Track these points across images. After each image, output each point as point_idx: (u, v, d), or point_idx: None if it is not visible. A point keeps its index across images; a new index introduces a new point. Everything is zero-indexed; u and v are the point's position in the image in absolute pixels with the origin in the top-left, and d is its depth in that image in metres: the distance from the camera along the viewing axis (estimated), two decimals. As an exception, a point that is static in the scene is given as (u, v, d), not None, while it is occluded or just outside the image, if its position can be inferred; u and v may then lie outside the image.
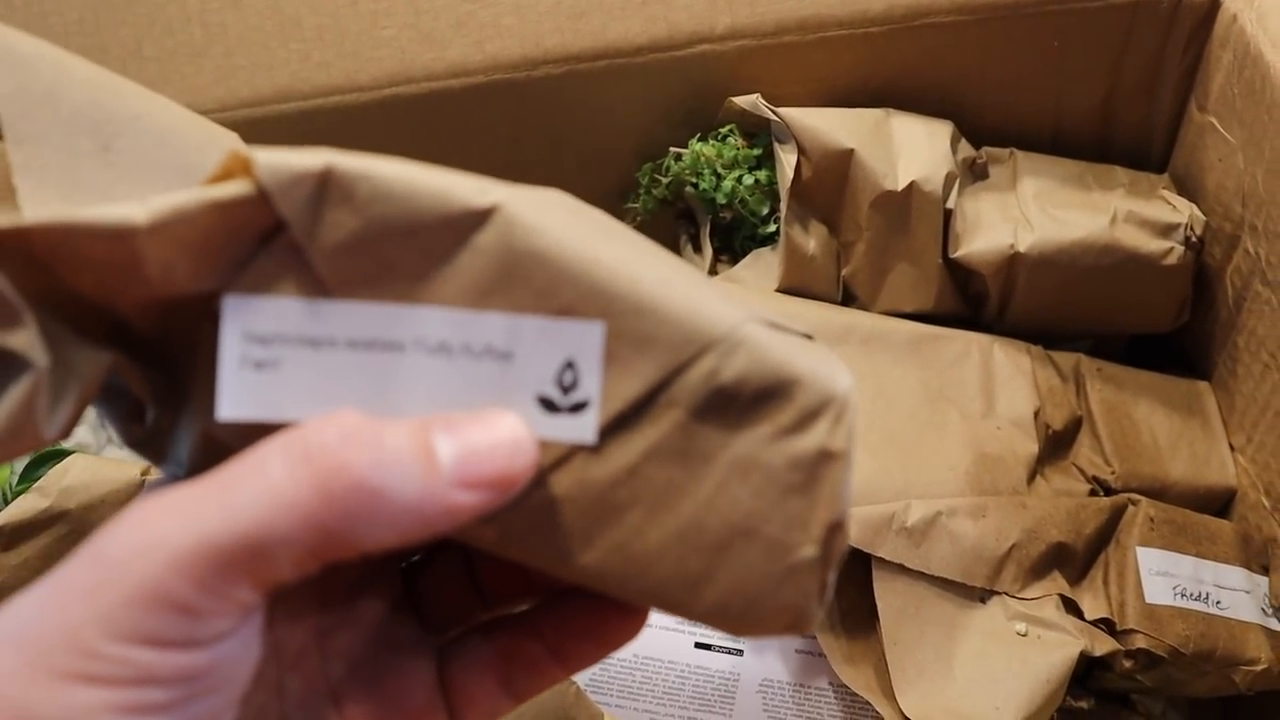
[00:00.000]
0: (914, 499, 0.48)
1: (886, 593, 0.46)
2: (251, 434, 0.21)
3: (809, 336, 0.24)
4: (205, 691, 0.20)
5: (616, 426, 0.22)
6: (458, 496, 0.20)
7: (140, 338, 0.23)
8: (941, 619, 0.47)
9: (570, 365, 0.21)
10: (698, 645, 0.49)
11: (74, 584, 0.19)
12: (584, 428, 0.22)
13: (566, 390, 0.22)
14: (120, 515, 0.20)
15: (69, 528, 0.46)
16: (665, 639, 0.49)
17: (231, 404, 0.21)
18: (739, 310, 0.22)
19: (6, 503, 0.47)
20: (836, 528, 0.22)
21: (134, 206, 0.20)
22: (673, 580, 0.22)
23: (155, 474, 0.49)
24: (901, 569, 0.47)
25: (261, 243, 0.21)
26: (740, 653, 0.48)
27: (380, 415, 0.21)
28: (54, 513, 0.46)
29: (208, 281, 0.21)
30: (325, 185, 0.21)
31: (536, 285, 0.21)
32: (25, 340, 0.20)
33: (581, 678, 0.49)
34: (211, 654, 0.20)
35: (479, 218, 0.21)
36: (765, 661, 0.48)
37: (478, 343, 0.21)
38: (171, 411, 0.23)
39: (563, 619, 0.25)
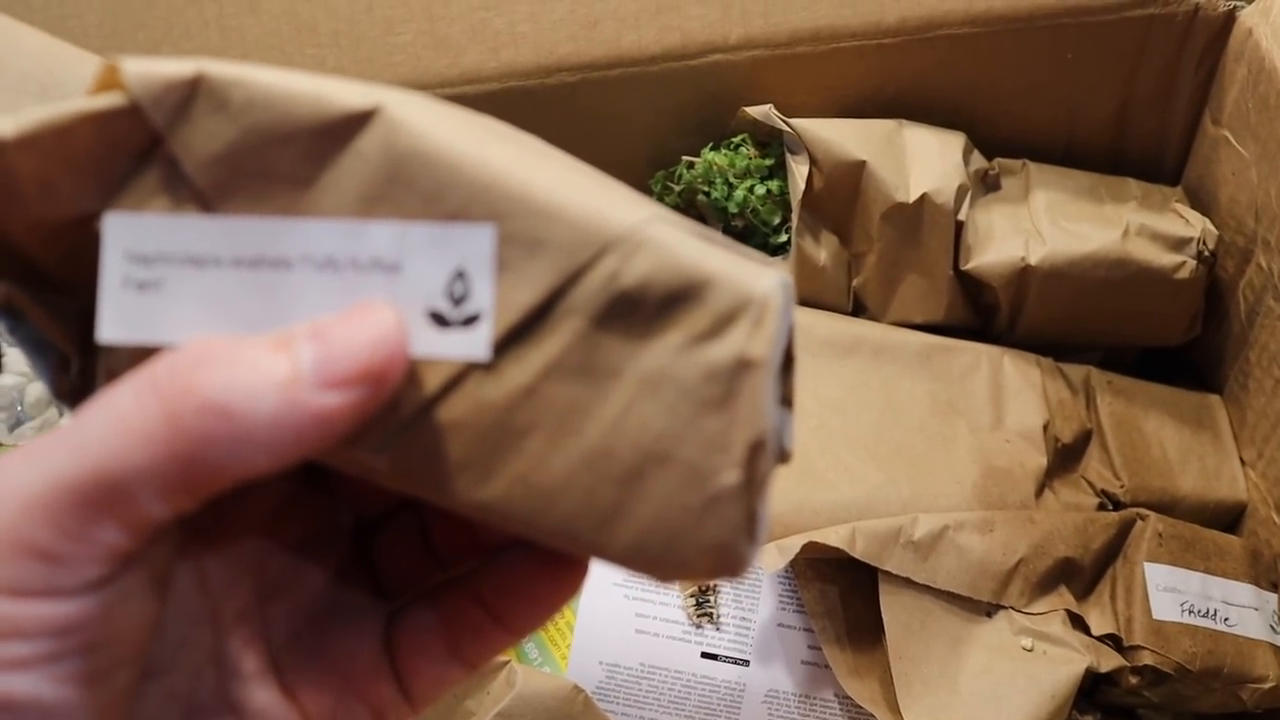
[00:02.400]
0: (921, 512, 0.48)
1: (893, 606, 0.46)
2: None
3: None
4: (84, 647, 0.19)
5: (512, 340, 0.20)
6: (322, 399, 0.18)
7: (50, 278, 0.22)
8: (947, 633, 0.47)
9: (461, 275, 0.20)
10: (704, 655, 0.49)
11: None
12: (477, 343, 0.20)
13: (457, 302, 0.20)
14: None
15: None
16: (672, 649, 0.49)
17: (112, 326, 0.20)
18: (644, 209, 0.20)
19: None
20: (759, 447, 0.19)
21: (1, 119, 0.19)
22: (582, 515, 0.20)
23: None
24: (908, 582, 0.47)
25: (140, 158, 0.20)
26: (746, 663, 0.49)
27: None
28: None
29: (91, 201, 0.20)
30: (196, 92, 0.20)
31: (423, 190, 0.20)
32: None
33: (589, 685, 0.50)
34: (82, 604, 0.19)
35: (360, 120, 0.20)
36: (771, 673, 0.48)
37: (364, 255, 0.20)
38: (91, 357, 0.22)
39: (500, 579, 0.23)
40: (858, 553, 0.46)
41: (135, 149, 0.20)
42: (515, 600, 0.23)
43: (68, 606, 0.18)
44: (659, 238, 0.20)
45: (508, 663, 0.47)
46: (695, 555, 0.20)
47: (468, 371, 0.20)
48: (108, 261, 0.20)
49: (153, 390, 0.18)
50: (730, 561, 0.20)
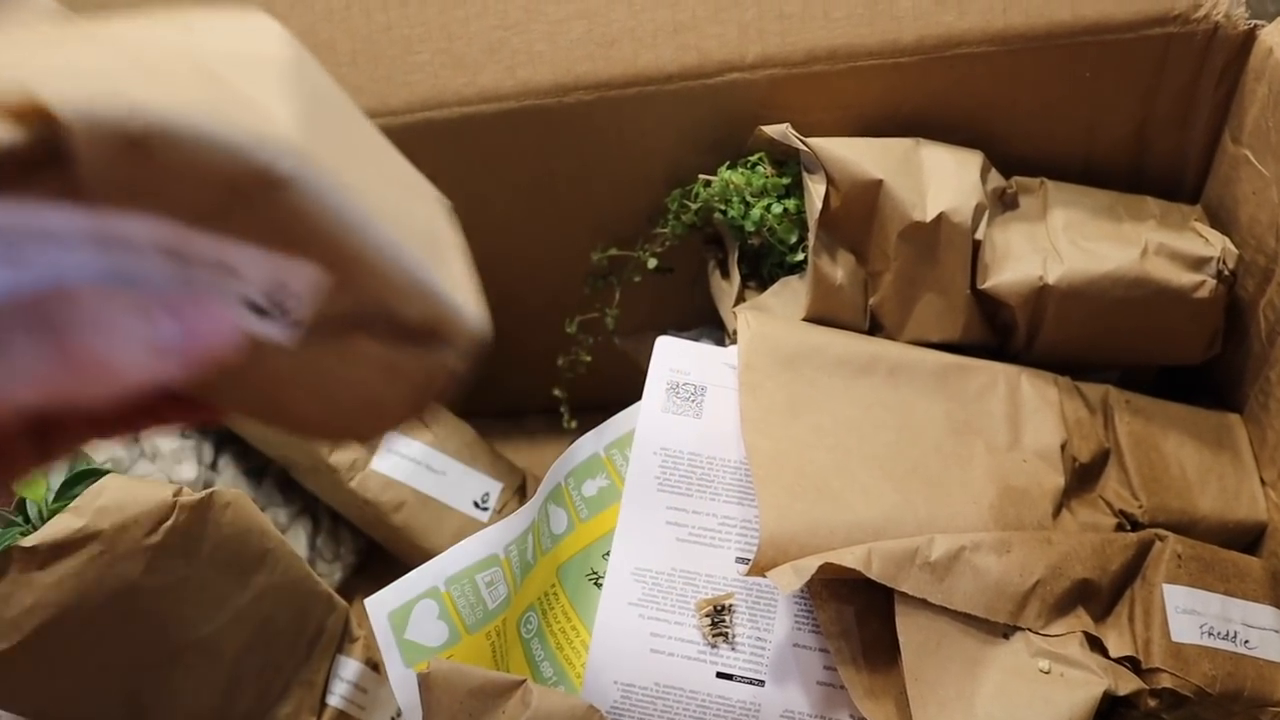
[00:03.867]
0: (937, 533, 0.48)
1: (909, 628, 0.46)
2: None
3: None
4: None
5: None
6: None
7: None
8: (964, 655, 0.47)
9: (284, 286, 0.25)
10: (719, 675, 0.49)
11: None
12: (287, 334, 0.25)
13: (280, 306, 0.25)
14: None
15: (102, 547, 0.47)
16: (687, 668, 0.49)
17: None
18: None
19: (43, 520, 0.48)
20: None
21: None
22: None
23: (188, 494, 0.50)
24: (924, 603, 0.47)
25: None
26: (762, 683, 0.48)
27: None
28: (88, 532, 0.47)
29: None
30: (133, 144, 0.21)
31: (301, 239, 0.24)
32: None
33: (604, 705, 0.50)
34: None
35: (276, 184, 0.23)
36: (786, 693, 0.48)
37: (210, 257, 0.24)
38: None
39: None
40: (874, 574, 0.46)
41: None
42: None
43: None
44: None
45: (523, 682, 0.48)
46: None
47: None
48: None
49: None
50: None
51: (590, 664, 0.50)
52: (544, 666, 0.53)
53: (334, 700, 0.60)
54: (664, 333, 0.56)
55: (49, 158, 0.21)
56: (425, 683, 0.47)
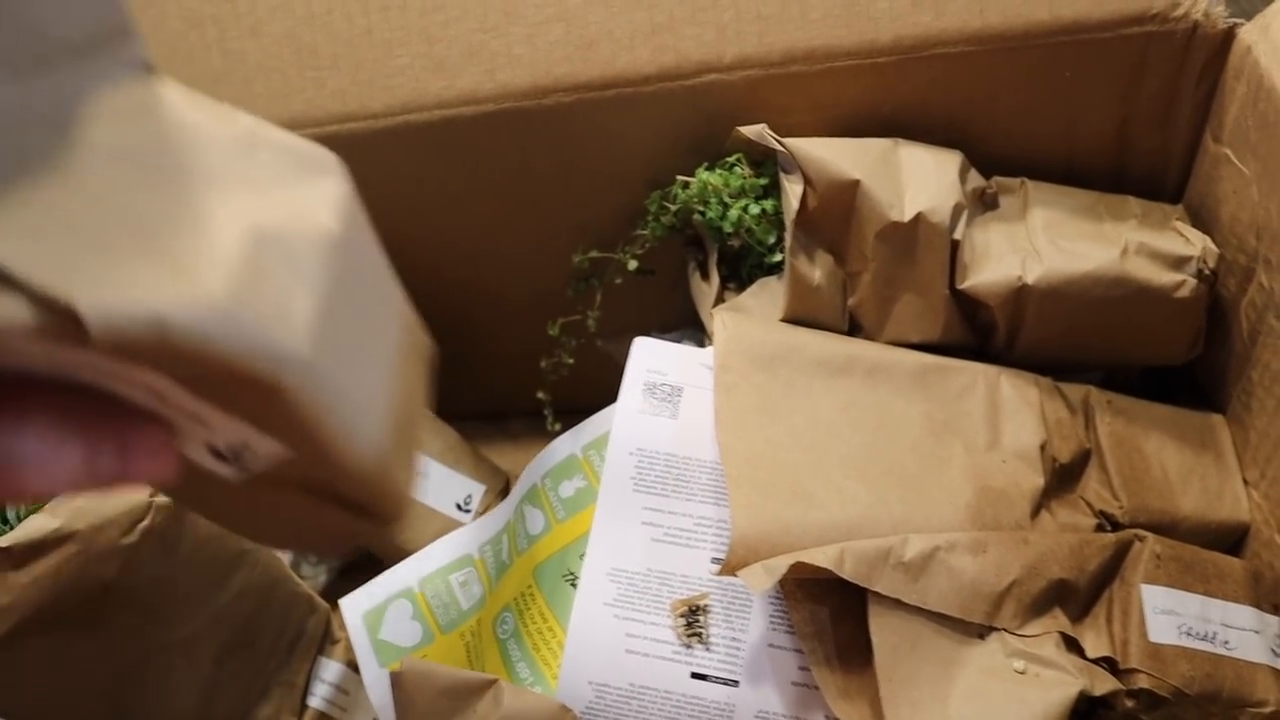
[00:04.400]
0: (912, 533, 0.48)
1: (882, 628, 0.46)
2: None
3: None
4: None
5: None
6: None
7: None
8: (938, 656, 0.47)
9: (247, 446, 0.26)
10: (694, 675, 0.49)
11: None
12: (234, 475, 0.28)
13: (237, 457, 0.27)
14: None
15: (78, 547, 0.47)
16: (661, 669, 0.49)
17: None
18: None
19: (19, 521, 0.48)
20: None
21: None
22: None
23: (163, 498, 0.50)
24: (898, 604, 0.46)
25: None
26: (736, 684, 0.48)
27: None
28: (64, 533, 0.47)
29: None
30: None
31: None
32: None
33: (578, 706, 0.50)
34: None
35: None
36: (761, 693, 0.48)
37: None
38: None
39: None
40: (846, 573, 0.46)
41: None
42: None
43: None
44: None
45: (495, 681, 0.48)
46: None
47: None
48: None
49: None
50: None
51: (565, 664, 0.50)
52: (520, 667, 0.53)
53: (315, 702, 0.60)
54: (646, 334, 0.56)
55: (62, 333, 0.21)
56: (397, 681, 0.47)
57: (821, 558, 0.45)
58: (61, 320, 0.20)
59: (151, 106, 0.24)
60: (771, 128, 0.54)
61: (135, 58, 0.24)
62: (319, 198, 0.27)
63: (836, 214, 0.53)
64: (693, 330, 0.63)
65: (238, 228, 0.24)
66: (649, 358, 0.53)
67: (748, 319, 0.54)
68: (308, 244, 0.26)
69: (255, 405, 0.24)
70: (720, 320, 0.53)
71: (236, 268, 0.23)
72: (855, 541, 0.47)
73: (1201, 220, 0.57)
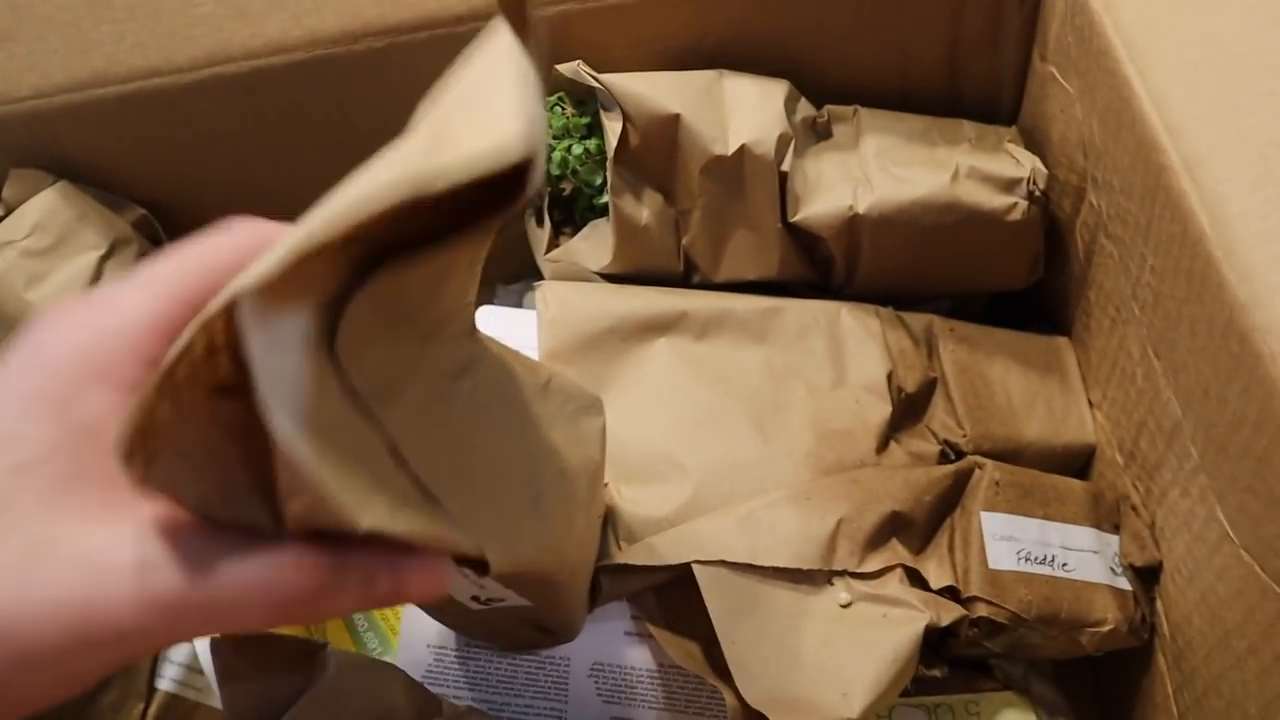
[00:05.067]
0: (741, 500, 0.47)
1: (715, 594, 0.44)
2: None
3: None
4: None
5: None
6: None
7: None
8: (782, 610, 0.45)
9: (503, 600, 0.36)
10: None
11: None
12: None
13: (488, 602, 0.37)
14: None
15: None
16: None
17: None
18: None
19: None
20: None
21: None
22: None
23: None
24: (727, 565, 0.45)
25: None
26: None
27: None
28: None
29: None
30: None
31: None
32: None
33: (417, 671, 0.48)
34: None
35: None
36: (596, 644, 0.47)
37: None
38: None
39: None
40: (670, 559, 0.45)
41: None
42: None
43: None
44: None
45: (324, 646, 0.46)
46: None
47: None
48: None
49: None
50: None
51: (403, 629, 0.49)
52: (368, 636, 0.51)
53: (164, 684, 0.58)
54: (489, 285, 0.54)
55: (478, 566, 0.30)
56: (216, 649, 0.45)
57: (639, 556, 0.45)
58: (477, 560, 0.29)
59: (484, 360, 0.31)
60: (592, 64, 0.52)
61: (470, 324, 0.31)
62: (591, 435, 0.37)
63: (659, 150, 0.52)
64: (535, 278, 0.61)
65: (554, 468, 0.33)
66: (487, 326, 0.51)
67: (571, 291, 0.52)
68: (586, 477, 0.35)
69: (532, 589, 0.34)
70: (543, 298, 0.51)
71: (555, 507, 0.32)
72: (677, 528, 0.46)
73: (1035, 141, 0.56)
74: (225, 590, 0.23)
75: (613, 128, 0.51)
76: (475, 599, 0.35)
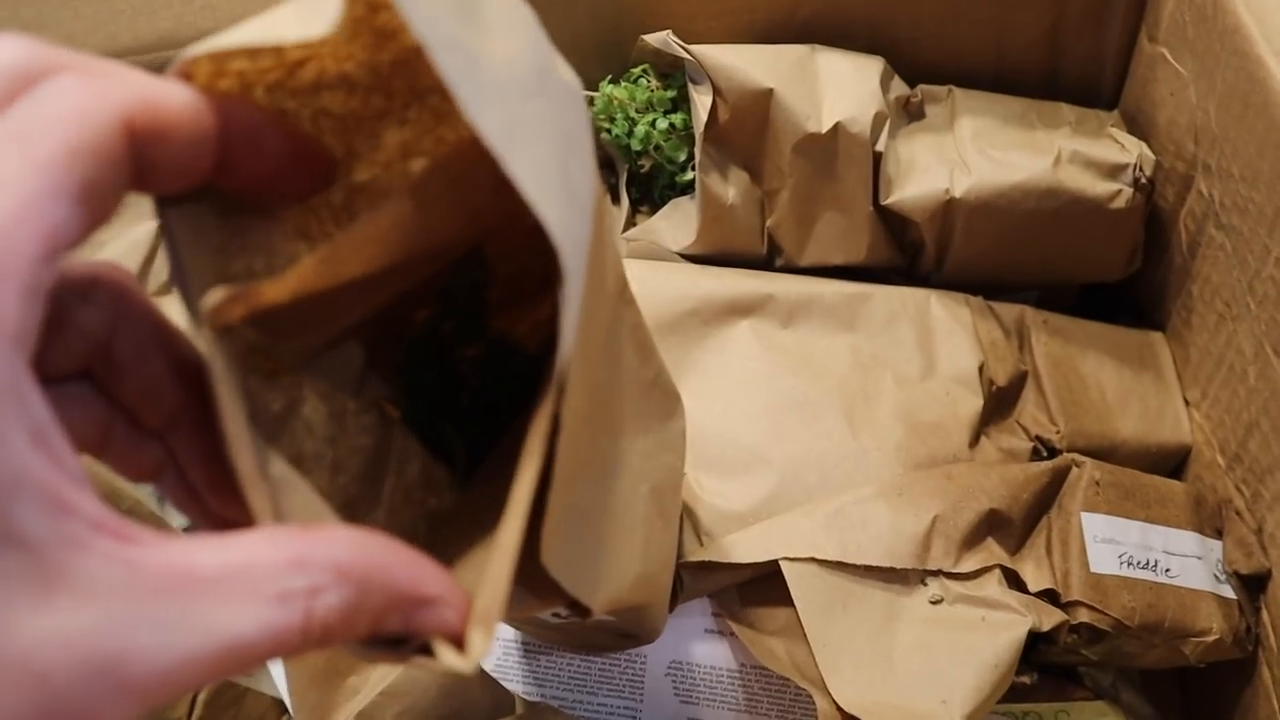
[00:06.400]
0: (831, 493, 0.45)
1: (805, 591, 0.42)
2: None
3: None
4: None
5: None
6: None
7: None
8: (875, 612, 0.43)
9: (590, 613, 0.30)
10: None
11: None
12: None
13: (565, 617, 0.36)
14: None
15: None
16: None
17: None
18: None
19: None
20: None
21: None
22: None
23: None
24: (817, 563, 0.43)
25: None
26: (650, 634, 0.45)
27: None
28: None
29: None
30: None
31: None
32: None
33: (486, 661, 0.46)
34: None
35: None
36: (675, 642, 0.45)
37: None
38: None
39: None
40: (750, 557, 0.42)
41: None
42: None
43: None
44: None
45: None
46: None
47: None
48: None
49: None
50: None
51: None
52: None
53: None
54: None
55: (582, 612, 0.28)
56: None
57: (716, 553, 0.42)
58: (583, 608, 0.26)
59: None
60: (679, 35, 0.50)
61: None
62: (675, 438, 0.35)
63: (750, 127, 0.49)
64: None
65: (649, 486, 0.32)
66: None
67: (653, 270, 0.50)
68: (671, 490, 0.34)
69: (622, 613, 0.31)
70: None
71: (651, 535, 0.32)
72: (762, 524, 0.43)
73: (1138, 126, 0.54)
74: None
75: (702, 101, 0.48)
76: (556, 614, 0.34)
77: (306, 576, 0.19)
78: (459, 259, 0.27)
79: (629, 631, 0.38)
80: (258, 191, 0.23)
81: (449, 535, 0.26)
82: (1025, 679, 0.47)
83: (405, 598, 0.20)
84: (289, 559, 0.19)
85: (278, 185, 0.23)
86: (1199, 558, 0.48)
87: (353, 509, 0.26)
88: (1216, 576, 0.48)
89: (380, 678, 0.41)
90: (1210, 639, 0.46)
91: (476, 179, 0.24)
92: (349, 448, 0.26)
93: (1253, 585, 0.48)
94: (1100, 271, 0.54)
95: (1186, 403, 0.53)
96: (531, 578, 0.24)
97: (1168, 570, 0.47)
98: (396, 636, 0.20)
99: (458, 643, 0.20)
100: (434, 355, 0.29)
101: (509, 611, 0.25)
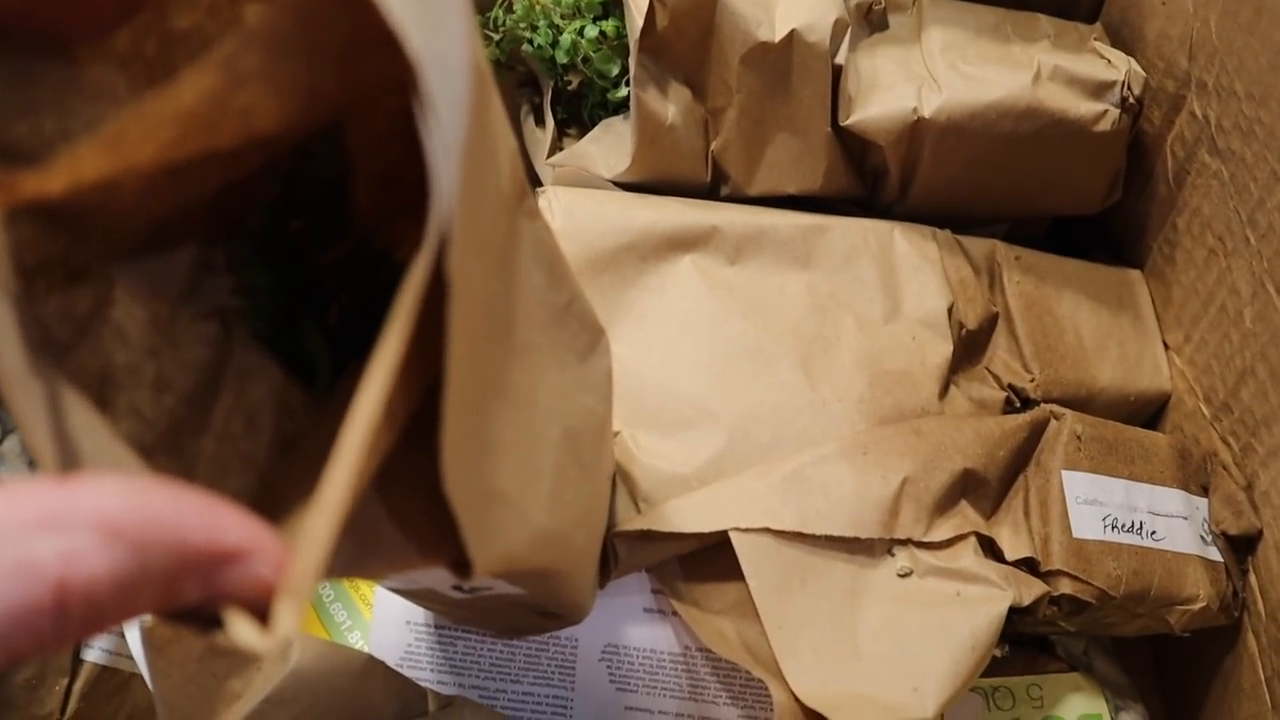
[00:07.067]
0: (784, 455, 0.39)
1: (758, 565, 0.37)
2: None
3: None
4: None
5: None
6: None
7: None
8: (836, 587, 0.38)
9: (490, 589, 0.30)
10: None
11: None
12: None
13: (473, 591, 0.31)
14: None
15: None
16: (491, 602, 0.40)
17: None
18: None
19: None
20: None
21: None
22: None
23: None
24: (770, 533, 0.38)
25: None
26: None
27: None
28: None
29: None
30: None
31: None
32: None
33: (394, 654, 0.41)
34: None
35: None
36: (608, 624, 0.40)
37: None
38: None
39: None
40: (698, 526, 0.37)
41: None
42: None
43: None
44: None
45: (284, 631, 0.38)
46: None
47: None
48: None
49: None
50: None
51: (377, 605, 0.41)
52: (335, 608, 0.43)
53: (92, 655, 0.50)
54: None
55: None
56: (149, 640, 0.37)
57: (659, 522, 0.37)
58: (465, 564, 0.22)
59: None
60: (612, -71, 0.44)
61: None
62: (598, 380, 0.30)
63: (692, 35, 0.43)
64: (534, 186, 0.53)
65: (559, 429, 0.27)
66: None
67: (583, 199, 0.43)
68: (590, 436, 0.29)
69: (528, 582, 0.27)
70: (547, 206, 0.42)
71: (558, 484, 0.27)
72: (709, 487, 0.38)
73: (1122, 40, 0.48)
74: None
75: (638, 5, 0.42)
76: (456, 588, 0.30)
77: (59, 538, 0.15)
78: (304, 145, 0.21)
79: (547, 609, 0.33)
80: (43, 19, 0.17)
81: (303, 466, 0.21)
82: (996, 651, 0.42)
83: (200, 555, 0.16)
84: (34, 516, 0.15)
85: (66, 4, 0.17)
86: (1185, 518, 0.44)
87: (176, 435, 0.20)
88: (1203, 538, 0.44)
89: (265, 680, 0.35)
90: (1197, 606, 0.42)
91: (313, 42, 0.18)
92: (179, 362, 0.20)
93: (1240, 546, 0.44)
94: (1077, 203, 0.49)
95: (1166, 346, 0.49)
96: (409, 520, 0.20)
97: (1153, 533, 0.43)
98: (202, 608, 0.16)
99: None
100: (286, 258, 0.23)
101: (381, 569, 0.21)
